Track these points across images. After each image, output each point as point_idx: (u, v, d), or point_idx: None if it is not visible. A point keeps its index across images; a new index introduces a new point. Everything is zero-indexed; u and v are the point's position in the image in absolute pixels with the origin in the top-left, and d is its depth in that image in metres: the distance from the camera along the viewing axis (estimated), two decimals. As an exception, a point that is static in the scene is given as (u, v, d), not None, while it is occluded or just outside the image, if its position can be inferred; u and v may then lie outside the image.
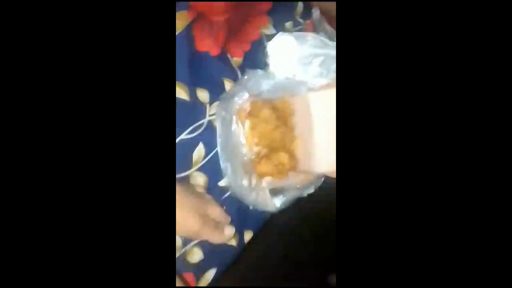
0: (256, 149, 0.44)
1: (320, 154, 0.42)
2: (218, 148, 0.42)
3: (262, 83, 0.43)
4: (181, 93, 0.40)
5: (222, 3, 0.42)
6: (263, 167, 0.43)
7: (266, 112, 0.44)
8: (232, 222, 0.43)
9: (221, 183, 0.42)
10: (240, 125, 0.41)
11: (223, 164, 0.42)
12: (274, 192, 0.43)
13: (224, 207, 0.43)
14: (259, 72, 0.44)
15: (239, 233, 0.44)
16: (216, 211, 0.39)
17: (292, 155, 0.44)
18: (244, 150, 0.41)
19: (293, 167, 0.44)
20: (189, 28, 0.40)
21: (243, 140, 0.41)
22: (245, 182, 0.40)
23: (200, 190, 0.40)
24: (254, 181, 0.41)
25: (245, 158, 0.41)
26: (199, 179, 0.41)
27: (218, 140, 0.42)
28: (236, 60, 0.45)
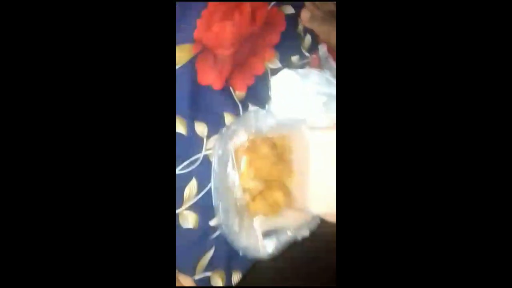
0: (252, 184, 0.43)
1: (315, 193, 0.41)
2: (212, 185, 0.41)
3: (262, 121, 0.42)
4: (179, 126, 0.39)
5: (229, 38, 0.41)
6: (257, 205, 0.42)
7: (264, 149, 0.43)
8: (220, 263, 0.41)
9: (212, 223, 0.41)
10: (235, 167, 0.40)
11: (215, 202, 0.41)
12: (267, 233, 0.42)
13: (214, 247, 0.41)
14: (260, 111, 0.43)
15: (227, 274, 0.42)
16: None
17: (287, 192, 0.43)
18: (239, 193, 0.40)
19: (288, 204, 0.43)
20: (192, 61, 0.40)
21: (237, 181, 0.39)
22: (236, 226, 0.39)
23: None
24: (245, 223, 0.40)
25: (238, 200, 0.40)
26: (189, 219, 0.40)
27: (213, 175, 0.41)
28: (239, 93, 0.44)
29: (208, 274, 0.41)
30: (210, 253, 0.40)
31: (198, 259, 0.40)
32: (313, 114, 0.43)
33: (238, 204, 0.40)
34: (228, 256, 0.42)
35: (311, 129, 0.41)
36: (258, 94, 0.44)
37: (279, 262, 0.43)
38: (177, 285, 0.39)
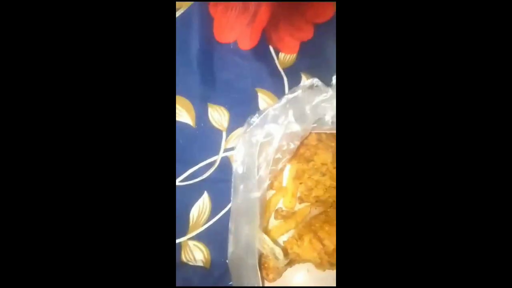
0: (300, 207, 0.28)
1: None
2: (232, 207, 0.26)
3: (326, 105, 0.25)
4: (183, 113, 0.28)
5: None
6: (304, 251, 0.27)
7: (324, 156, 0.28)
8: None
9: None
10: (267, 187, 0.24)
11: (231, 233, 0.26)
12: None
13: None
14: (322, 86, 0.25)
15: None
16: None
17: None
18: (267, 239, 0.23)
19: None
20: (203, 3, 0.26)
21: (260, 218, 0.23)
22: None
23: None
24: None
25: (266, 245, 0.23)
26: (196, 253, 0.28)
27: (233, 194, 0.26)
28: (284, 56, 0.29)
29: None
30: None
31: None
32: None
33: (266, 249, 0.24)
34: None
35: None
36: (318, 56, 0.29)
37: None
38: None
